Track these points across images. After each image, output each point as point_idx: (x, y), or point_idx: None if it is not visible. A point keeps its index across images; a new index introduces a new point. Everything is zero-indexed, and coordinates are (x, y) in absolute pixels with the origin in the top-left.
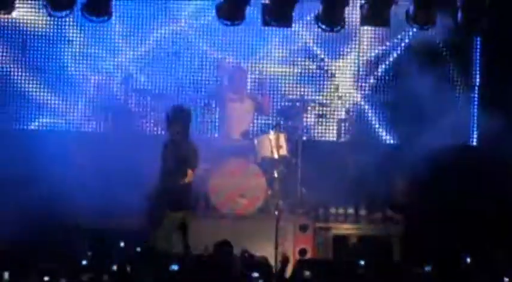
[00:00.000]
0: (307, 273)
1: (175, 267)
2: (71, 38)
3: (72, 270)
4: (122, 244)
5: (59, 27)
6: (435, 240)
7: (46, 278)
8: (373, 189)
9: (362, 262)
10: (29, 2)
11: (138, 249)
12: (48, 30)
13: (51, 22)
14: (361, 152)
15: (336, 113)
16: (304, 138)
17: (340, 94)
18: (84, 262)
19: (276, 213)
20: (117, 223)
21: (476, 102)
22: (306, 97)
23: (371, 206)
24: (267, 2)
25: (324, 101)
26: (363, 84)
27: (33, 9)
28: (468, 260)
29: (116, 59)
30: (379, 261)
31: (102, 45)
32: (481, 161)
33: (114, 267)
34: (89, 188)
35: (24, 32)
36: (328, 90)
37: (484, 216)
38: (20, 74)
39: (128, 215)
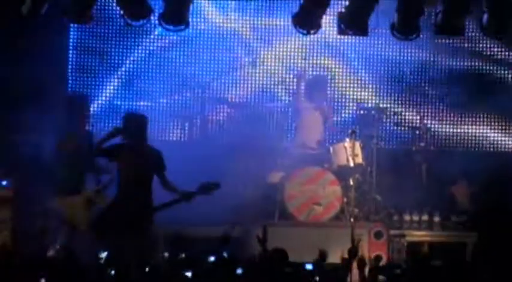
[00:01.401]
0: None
1: (239, 271)
2: (147, 47)
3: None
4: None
5: (136, 35)
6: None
7: None
8: (446, 196)
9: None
10: (107, 11)
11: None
12: (125, 38)
13: (129, 31)
14: (434, 160)
15: (410, 121)
16: (379, 146)
17: (414, 103)
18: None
19: (352, 220)
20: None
21: None
22: (381, 105)
23: (445, 212)
24: (342, 10)
25: (399, 110)
26: (437, 93)
27: (111, 19)
28: None
29: (193, 68)
30: (452, 267)
31: (180, 54)
32: None
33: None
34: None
35: (103, 41)
36: (403, 98)
37: None
38: (99, 83)
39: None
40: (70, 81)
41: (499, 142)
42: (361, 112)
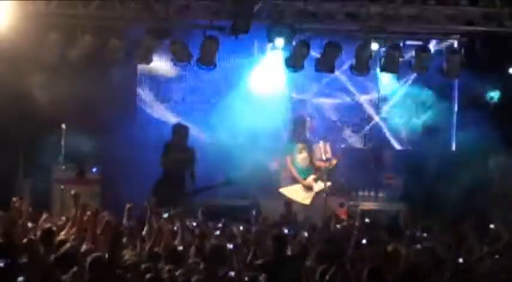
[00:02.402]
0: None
1: None
2: (189, 79)
3: None
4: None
5: (180, 70)
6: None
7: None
8: (384, 179)
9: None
10: (161, 56)
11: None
12: (172, 73)
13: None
14: (379, 155)
15: (362, 129)
16: (342, 146)
17: (365, 117)
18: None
19: (324, 195)
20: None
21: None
22: (343, 119)
23: (385, 190)
24: (318, 56)
25: (355, 122)
26: (380, 110)
27: (164, 60)
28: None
29: (219, 95)
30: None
31: (210, 84)
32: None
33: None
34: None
35: (158, 76)
36: (358, 114)
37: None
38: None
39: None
40: (137, 102)
41: (421, 144)
42: (330, 124)
